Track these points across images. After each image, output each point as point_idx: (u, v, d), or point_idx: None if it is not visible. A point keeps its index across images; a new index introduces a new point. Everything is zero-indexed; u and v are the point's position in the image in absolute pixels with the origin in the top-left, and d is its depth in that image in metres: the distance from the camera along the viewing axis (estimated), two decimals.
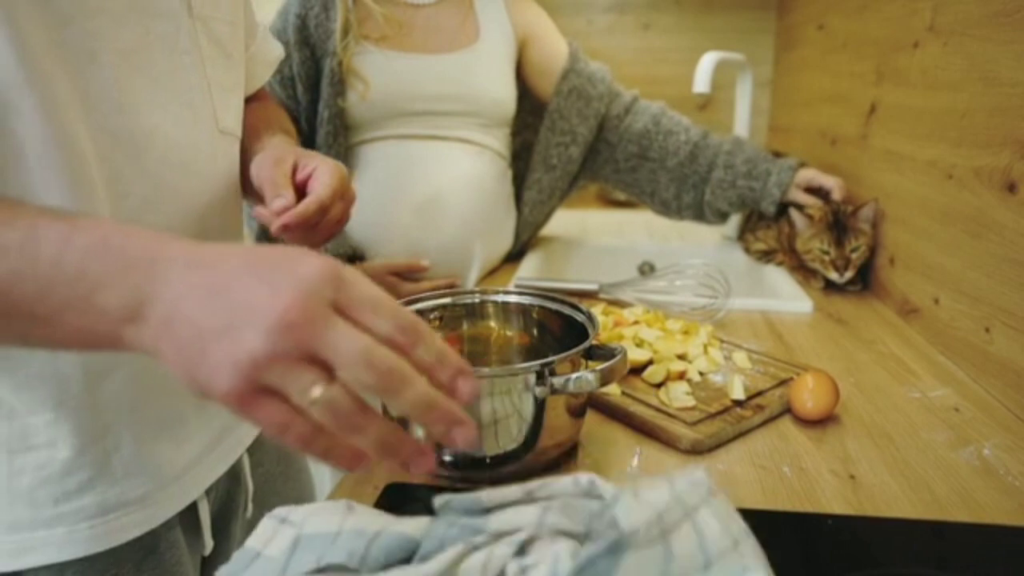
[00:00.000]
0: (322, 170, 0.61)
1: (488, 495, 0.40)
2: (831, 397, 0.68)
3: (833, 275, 1.10)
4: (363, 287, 0.36)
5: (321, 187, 0.59)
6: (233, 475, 0.70)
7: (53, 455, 0.52)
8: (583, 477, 0.40)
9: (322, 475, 1.03)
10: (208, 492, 0.65)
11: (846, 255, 1.09)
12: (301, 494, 0.83)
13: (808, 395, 0.68)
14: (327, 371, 0.34)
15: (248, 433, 0.70)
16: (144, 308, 0.36)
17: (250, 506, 0.73)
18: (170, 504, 0.59)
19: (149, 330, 0.36)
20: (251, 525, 0.72)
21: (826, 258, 1.10)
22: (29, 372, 0.51)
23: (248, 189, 0.69)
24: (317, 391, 0.33)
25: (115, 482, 0.55)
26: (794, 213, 1.15)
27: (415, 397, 0.34)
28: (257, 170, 0.62)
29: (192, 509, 0.63)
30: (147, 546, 0.58)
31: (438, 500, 0.41)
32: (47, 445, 0.52)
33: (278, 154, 0.63)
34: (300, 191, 0.61)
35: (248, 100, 0.77)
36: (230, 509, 0.71)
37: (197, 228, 0.59)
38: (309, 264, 0.35)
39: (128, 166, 0.53)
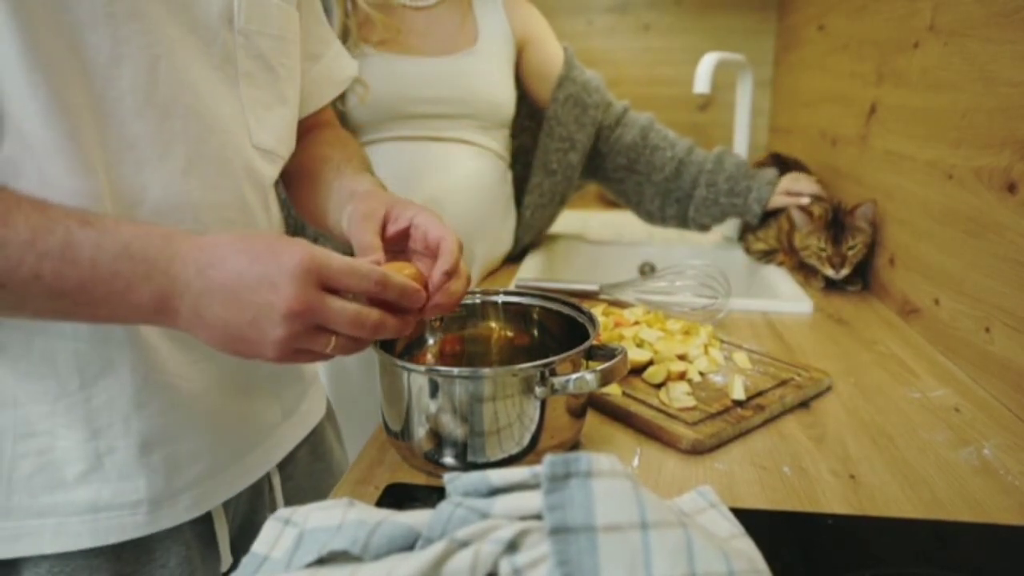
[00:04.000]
0: (434, 233, 0.58)
1: (497, 474, 0.41)
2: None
3: (829, 271, 1.11)
4: (335, 262, 0.48)
5: (445, 259, 0.56)
6: (257, 492, 0.69)
7: (52, 443, 0.53)
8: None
9: None
10: (227, 507, 0.64)
11: (843, 252, 1.09)
12: None
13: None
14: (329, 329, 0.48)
15: (271, 454, 0.69)
16: (173, 302, 0.46)
17: None
18: (173, 514, 0.58)
19: (182, 320, 0.47)
20: None
21: (823, 255, 1.11)
22: (29, 366, 0.52)
23: (312, 218, 0.72)
24: (331, 344, 0.49)
25: (108, 482, 0.55)
26: (793, 209, 1.16)
27: (389, 332, 0.51)
28: (348, 225, 0.61)
29: (207, 522, 0.62)
30: (150, 552, 0.58)
31: (447, 476, 0.42)
32: (47, 433, 0.53)
33: (368, 207, 0.61)
34: (390, 244, 0.59)
35: (313, 121, 0.77)
36: (253, 525, 0.69)
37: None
38: (289, 256, 0.46)
39: (141, 174, 0.53)
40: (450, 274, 0.55)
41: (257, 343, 0.47)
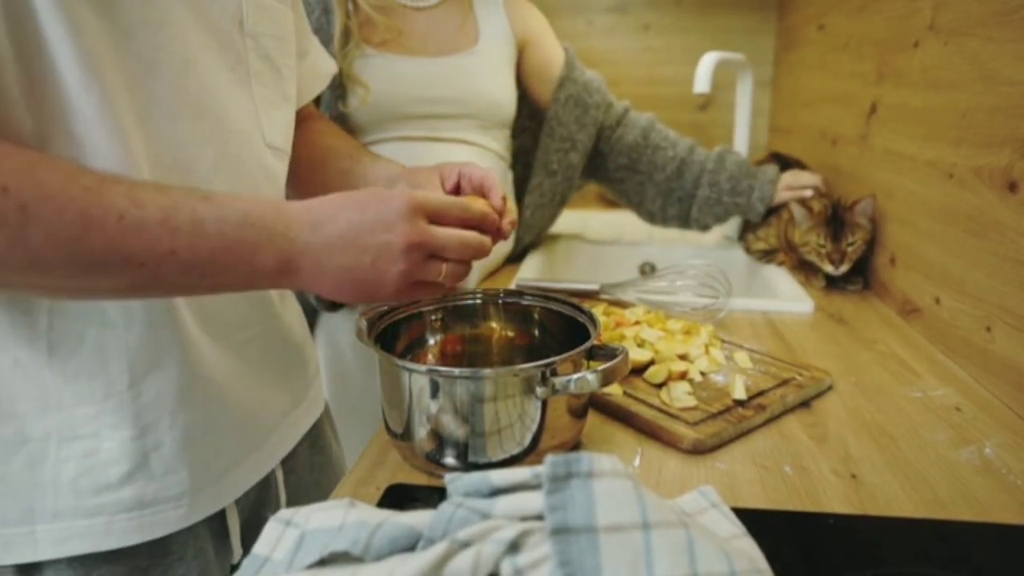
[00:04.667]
0: (477, 174, 0.69)
1: (498, 475, 0.41)
2: None
3: (828, 268, 1.11)
4: (433, 197, 0.54)
5: (496, 190, 0.67)
6: (264, 484, 0.70)
7: (97, 445, 0.54)
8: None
9: None
10: (237, 500, 0.65)
11: (842, 249, 1.10)
12: None
13: None
14: (441, 256, 0.54)
15: (281, 445, 0.70)
16: (295, 261, 0.50)
17: None
18: (203, 507, 0.59)
19: (304, 276, 0.51)
20: None
21: (822, 251, 1.11)
22: (79, 365, 0.53)
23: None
24: (443, 271, 0.55)
25: (153, 478, 0.56)
26: (793, 205, 1.16)
27: (484, 251, 0.57)
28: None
29: (220, 516, 0.63)
30: (166, 546, 0.58)
31: (448, 477, 0.42)
32: (92, 436, 0.54)
33: (422, 176, 0.71)
34: None
35: (303, 115, 0.79)
36: (259, 519, 0.70)
37: None
38: (396, 199, 0.52)
39: (182, 177, 0.55)
40: (504, 199, 0.66)
41: (378, 282, 0.52)
